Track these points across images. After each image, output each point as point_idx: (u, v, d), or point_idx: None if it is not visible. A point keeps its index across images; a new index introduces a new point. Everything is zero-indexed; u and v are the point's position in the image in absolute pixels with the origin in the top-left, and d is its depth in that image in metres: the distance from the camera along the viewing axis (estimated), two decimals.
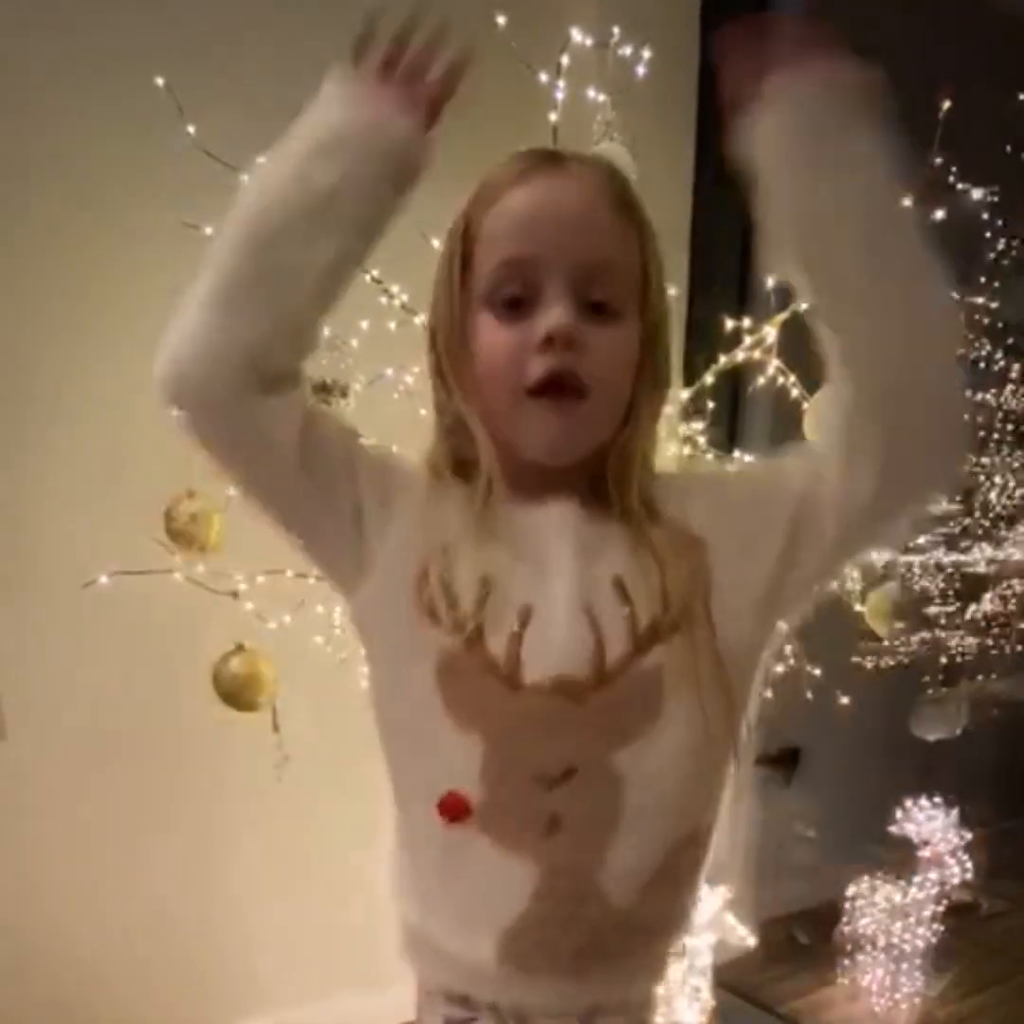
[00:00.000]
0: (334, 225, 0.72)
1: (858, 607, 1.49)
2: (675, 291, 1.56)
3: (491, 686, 0.71)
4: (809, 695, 1.49)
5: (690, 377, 1.47)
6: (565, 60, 1.28)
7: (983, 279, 2.04)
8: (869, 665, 1.99)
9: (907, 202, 0.71)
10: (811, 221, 0.66)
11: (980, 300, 1.97)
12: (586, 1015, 0.79)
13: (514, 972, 0.74)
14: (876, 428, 0.67)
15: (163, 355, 0.72)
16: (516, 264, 0.71)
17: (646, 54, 1.31)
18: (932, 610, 2.10)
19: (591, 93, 1.31)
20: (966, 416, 0.71)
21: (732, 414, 1.85)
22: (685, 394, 1.46)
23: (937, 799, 2.00)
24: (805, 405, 1.31)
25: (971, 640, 2.20)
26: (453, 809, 0.72)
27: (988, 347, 2.10)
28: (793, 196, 0.66)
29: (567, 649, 0.71)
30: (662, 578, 0.72)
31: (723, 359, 1.39)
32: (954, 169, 1.35)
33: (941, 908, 1.99)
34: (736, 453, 1.53)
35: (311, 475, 0.73)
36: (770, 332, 1.33)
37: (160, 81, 1.26)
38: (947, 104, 1.30)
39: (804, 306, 0.73)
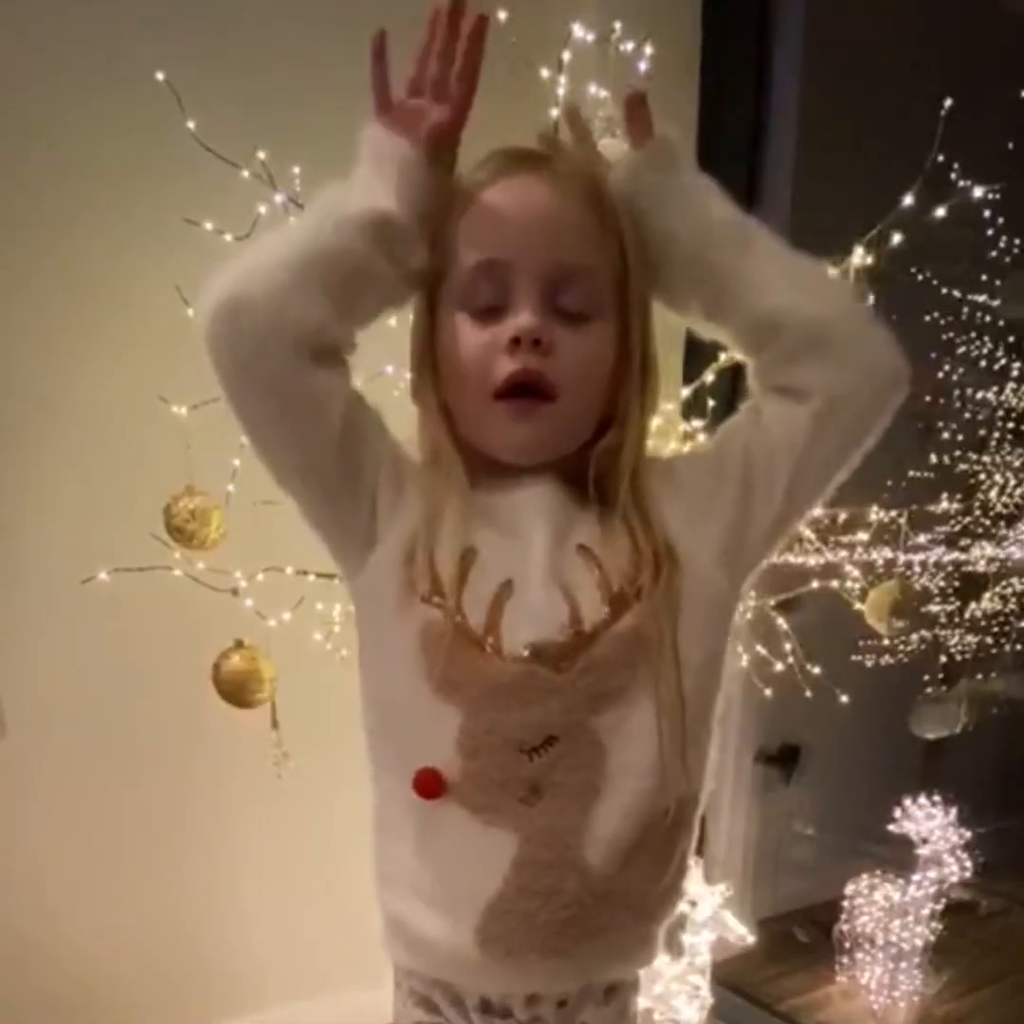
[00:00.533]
0: (388, 242, 0.73)
1: (858, 605, 1.49)
2: None
3: (472, 656, 0.72)
4: (809, 693, 1.49)
5: (690, 375, 1.47)
6: (566, 55, 1.28)
7: (984, 277, 2.04)
8: (869, 663, 1.99)
9: None
10: (706, 231, 0.75)
11: (982, 298, 1.97)
12: (570, 1002, 0.79)
13: (494, 956, 0.73)
14: (800, 370, 0.74)
15: (225, 287, 0.71)
16: (488, 267, 0.72)
17: (648, 50, 1.30)
18: (932, 608, 2.10)
19: (593, 89, 1.31)
20: (884, 347, 0.75)
21: (732, 412, 1.84)
22: (685, 392, 1.45)
23: (936, 798, 2.00)
24: None
25: (971, 639, 2.20)
26: (427, 785, 0.73)
27: (989, 345, 2.09)
28: (687, 220, 0.75)
29: (543, 616, 0.72)
30: (632, 546, 0.74)
31: (723, 357, 1.38)
32: (956, 166, 1.35)
33: (940, 906, 1.99)
34: None
35: (345, 455, 0.74)
36: None
37: (160, 76, 1.25)
38: (949, 101, 1.30)
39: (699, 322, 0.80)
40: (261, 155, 1.27)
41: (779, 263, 0.75)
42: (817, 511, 1.43)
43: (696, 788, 0.79)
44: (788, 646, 1.50)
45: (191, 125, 1.26)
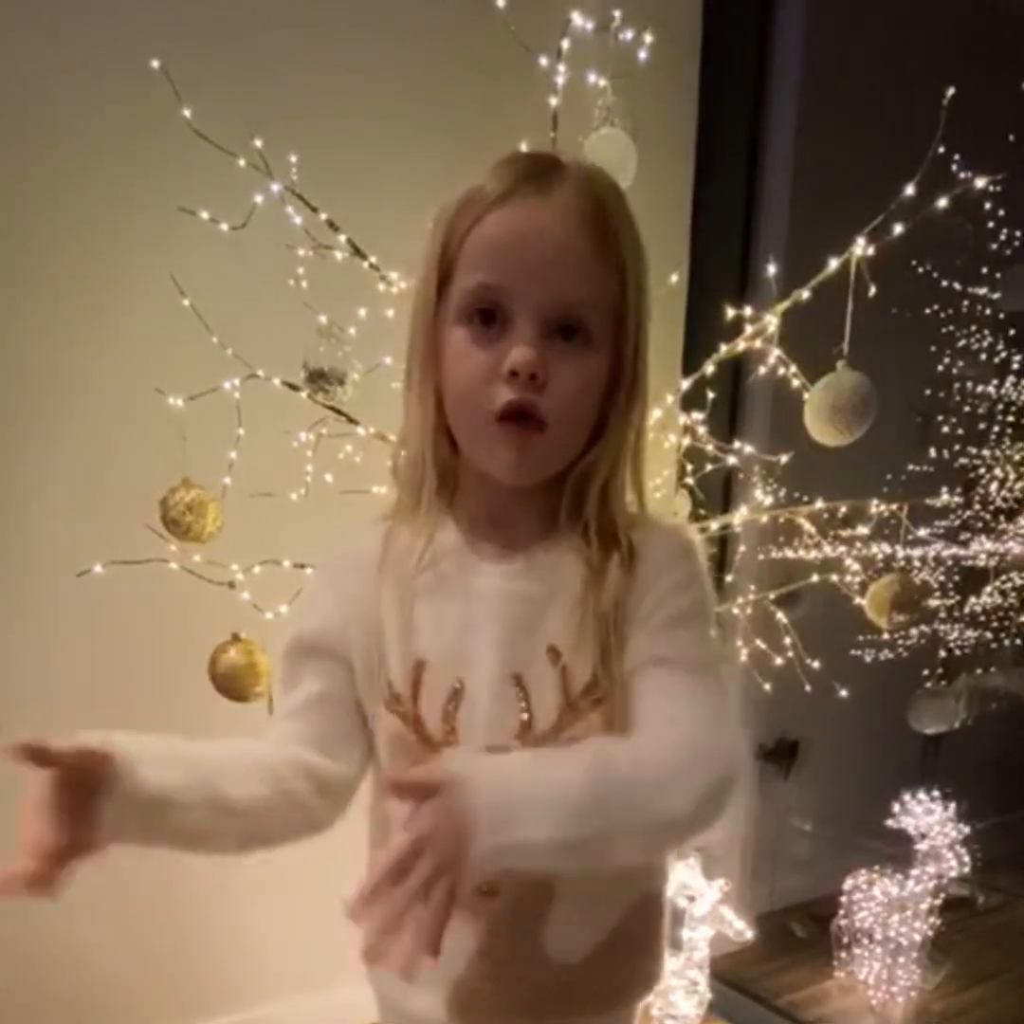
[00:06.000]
0: None
1: (858, 600, 1.48)
2: (675, 278, 1.55)
3: (429, 758, 0.73)
4: (808, 688, 1.48)
5: (690, 366, 1.46)
6: (566, 44, 1.26)
7: (985, 269, 2.03)
8: (868, 658, 1.98)
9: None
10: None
11: (982, 291, 1.97)
12: None
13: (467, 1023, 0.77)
14: None
15: None
16: (491, 290, 0.72)
17: (648, 38, 1.30)
18: (932, 603, 2.09)
19: (592, 77, 1.30)
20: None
21: (732, 404, 1.84)
22: (685, 383, 1.45)
23: (935, 793, 2.00)
24: (805, 395, 1.30)
25: (970, 634, 2.20)
26: None
27: (989, 338, 2.09)
28: None
29: (493, 718, 0.73)
30: (600, 645, 0.74)
31: (723, 348, 1.38)
32: (957, 158, 1.34)
33: (938, 902, 1.99)
34: (736, 443, 1.52)
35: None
36: (771, 321, 1.32)
37: (156, 64, 1.24)
38: (951, 92, 1.29)
39: None
40: (257, 143, 1.26)
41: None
42: (817, 505, 1.44)
43: (662, 880, 0.83)
44: (787, 640, 1.50)
45: (187, 113, 1.25)
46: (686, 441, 1.48)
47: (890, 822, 1.99)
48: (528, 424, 0.72)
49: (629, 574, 0.76)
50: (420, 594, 0.76)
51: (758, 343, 1.35)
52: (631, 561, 0.76)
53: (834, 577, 1.48)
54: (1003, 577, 2.19)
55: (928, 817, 1.97)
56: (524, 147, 0.80)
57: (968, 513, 2.10)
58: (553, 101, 1.27)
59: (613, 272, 0.73)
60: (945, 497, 1.99)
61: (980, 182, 1.32)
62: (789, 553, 1.60)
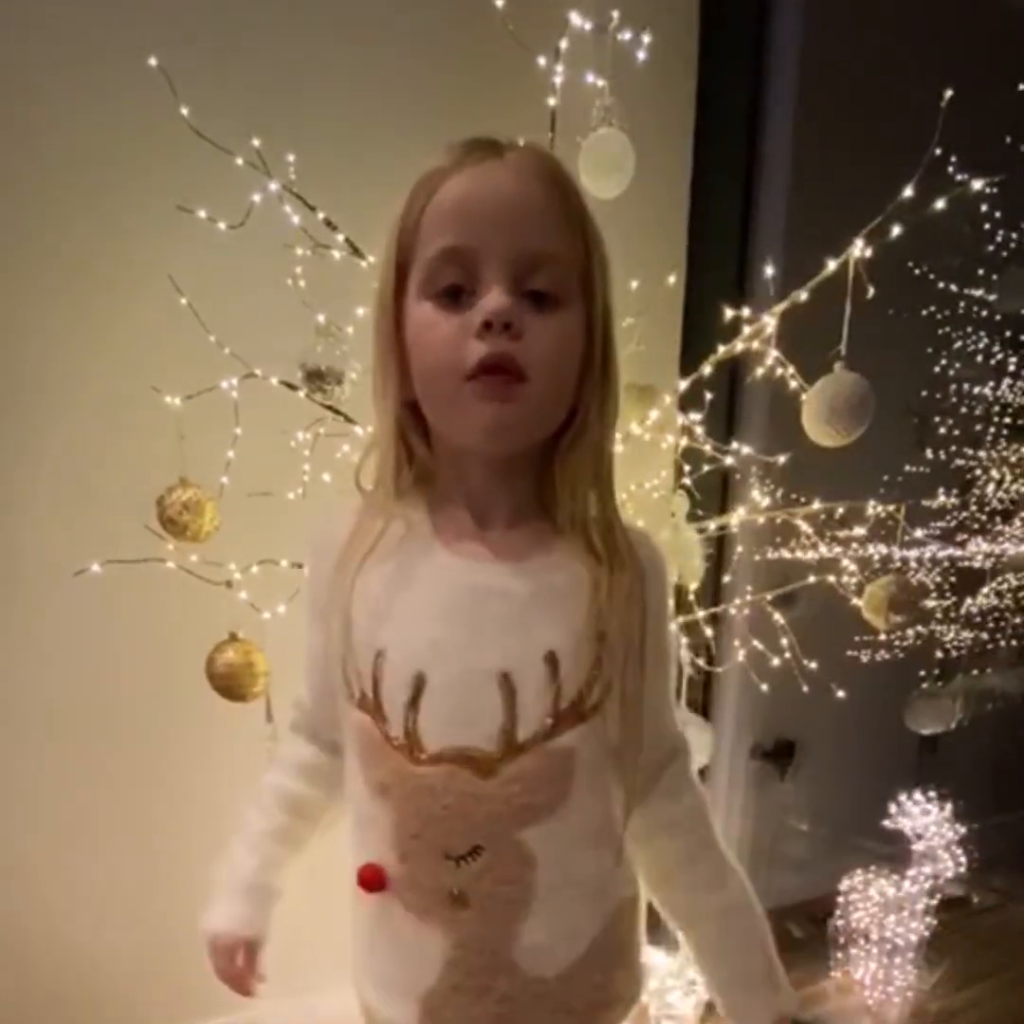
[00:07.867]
0: None
1: (855, 600, 1.48)
2: (673, 279, 1.55)
3: (398, 759, 0.71)
4: (805, 689, 1.48)
5: (688, 367, 1.46)
6: (564, 44, 1.26)
7: (982, 271, 2.03)
8: (865, 659, 1.99)
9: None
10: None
11: (978, 292, 1.97)
12: None
13: None
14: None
15: None
16: (454, 254, 0.70)
17: (646, 39, 1.29)
18: (928, 604, 2.10)
19: (590, 77, 1.30)
20: None
21: (730, 405, 1.84)
22: (683, 384, 1.45)
23: (931, 793, 2.00)
24: (804, 396, 1.30)
25: (967, 634, 2.20)
26: (369, 880, 0.74)
27: (986, 340, 2.09)
28: None
29: (464, 717, 0.71)
30: (597, 651, 0.72)
31: (721, 349, 1.37)
32: (954, 160, 1.34)
33: (934, 902, 1.99)
34: (733, 444, 1.52)
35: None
36: (769, 322, 1.32)
37: (153, 61, 1.24)
38: (948, 94, 1.29)
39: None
40: (255, 142, 1.26)
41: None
42: (814, 505, 1.44)
43: (635, 889, 0.81)
44: (785, 641, 1.50)
45: (184, 112, 1.25)
46: (684, 442, 1.48)
47: (886, 822, 1.99)
48: (507, 375, 0.69)
49: (638, 588, 0.75)
50: (382, 582, 0.74)
51: (756, 344, 1.34)
52: (640, 577, 0.75)
53: (831, 578, 1.49)
54: (1000, 578, 2.19)
55: (924, 817, 1.98)
56: None
57: (965, 514, 2.10)
58: (551, 101, 1.27)
59: (575, 231, 0.72)
60: (942, 498, 2.00)
61: (977, 184, 1.32)
62: (786, 554, 1.60)
